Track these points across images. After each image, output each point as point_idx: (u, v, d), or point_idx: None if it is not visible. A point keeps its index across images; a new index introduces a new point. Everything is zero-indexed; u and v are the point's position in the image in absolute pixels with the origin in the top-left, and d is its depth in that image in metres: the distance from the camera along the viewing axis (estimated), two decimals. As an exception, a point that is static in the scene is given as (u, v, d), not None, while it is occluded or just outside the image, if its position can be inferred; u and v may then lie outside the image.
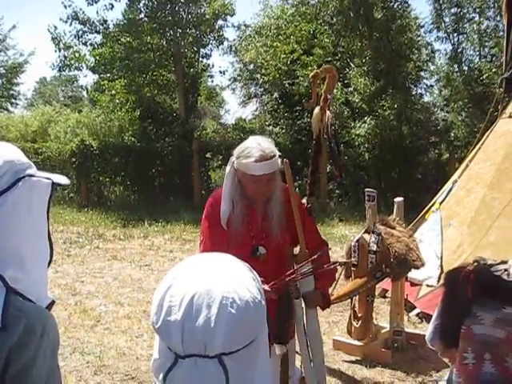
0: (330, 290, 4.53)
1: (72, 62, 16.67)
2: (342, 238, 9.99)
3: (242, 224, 2.78)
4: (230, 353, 1.10)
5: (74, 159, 14.70)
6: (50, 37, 16.11)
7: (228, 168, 2.83)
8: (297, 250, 2.96)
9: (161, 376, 1.15)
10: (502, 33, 12.93)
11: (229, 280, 1.15)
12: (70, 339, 5.22)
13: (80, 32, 15.95)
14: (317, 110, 3.86)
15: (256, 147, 2.71)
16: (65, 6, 15.53)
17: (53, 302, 1.66)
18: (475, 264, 4.03)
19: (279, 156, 2.78)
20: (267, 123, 18.07)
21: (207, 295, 1.11)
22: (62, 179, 1.70)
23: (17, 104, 30.31)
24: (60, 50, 16.49)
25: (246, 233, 2.74)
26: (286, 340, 2.70)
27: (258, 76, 19.06)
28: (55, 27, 16.11)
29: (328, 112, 3.71)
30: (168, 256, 8.62)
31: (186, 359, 1.11)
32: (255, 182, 2.68)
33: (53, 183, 1.65)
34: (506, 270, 3.97)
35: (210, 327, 1.08)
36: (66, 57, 16.68)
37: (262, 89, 20.30)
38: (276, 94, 18.14)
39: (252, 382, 1.17)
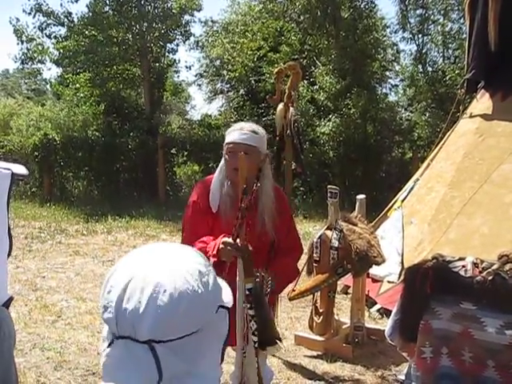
0: (292, 286, 4.58)
1: (35, 54, 16.41)
2: (305, 235, 10.02)
3: (230, 209, 2.77)
4: (162, 341, 1.11)
5: (36, 153, 14.46)
6: (13, 29, 15.80)
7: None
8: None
9: (103, 353, 1.18)
10: (464, 35, 13.17)
11: (168, 268, 1.15)
12: (30, 335, 5.15)
13: (44, 24, 15.72)
14: (280, 106, 3.89)
15: (240, 123, 2.86)
16: (28, -2, 15.28)
17: (11, 299, 1.63)
18: (434, 261, 4.11)
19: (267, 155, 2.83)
20: (233, 120, 18.05)
21: (143, 281, 1.12)
22: (22, 169, 1.68)
23: (-22, 96, 29.65)
24: (23, 43, 16.22)
25: (234, 218, 2.70)
26: (271, 342, 2.64)
27: (225, 72, 19.05)
28: (17, 19, 15.86)
29: (292, 108, 3.75)
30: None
31: (120, 340, 1.13)
32: (231, 153, 2.71)
33: (12, 174, 1.62)
34: (463, 266, 4.05)
35: (138, 312, 1.10)
36: (28, 49, 16.41)
37: (228, 85, 20.30)
38: (242, 91, 18.16)
39: (189, 376, 1.17)
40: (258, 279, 2.60)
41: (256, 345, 2.54)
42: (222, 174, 2.85)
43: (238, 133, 2.76)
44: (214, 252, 2.58)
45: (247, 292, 2.53)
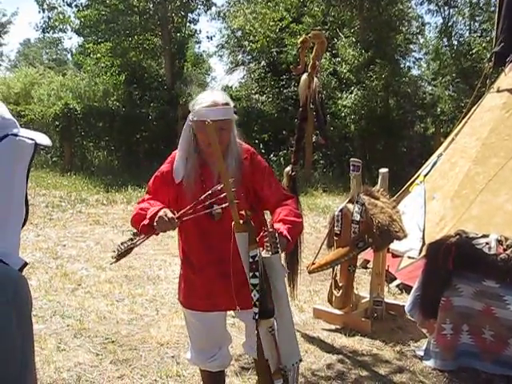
0: (311, 259, 4.55)
1: (56, 23, 16.37)
2: (325, 209, 10.01)
3: (194, 182, 2.71)
4: None
5: (57, 123, 14.50)
6: (34, -3, 15.77)
7: (185, 125, 2.79)
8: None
9: None
10: (494, 7, 12.84)
11: None
12: (50, 302, 5.20)
13: (65, -8, 15.63)
14: (304, 76, 3.81)
15: (209, 95, 2.71)
16: (50, -35, 15.20)
17: (25, 264, 1.63)
18: (457, 237, 4.08)
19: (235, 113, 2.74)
20: (253, 91, 17.94)
21: None
22: (45, 140, 1.66)
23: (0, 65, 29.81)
24: (44, 11, 16.19)
25: (200, 191, 2.65)
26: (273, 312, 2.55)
27: (246, 43, 18.85)
28: (39, -13, 15.78)
29: (316, 79, 3.68)
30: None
31: None
32: (207, 130, 2.62)
33: (35, 144, 1.60)
34: (487, 243, 4.02)
35: None
36: (50, 18, 16.37)
37: (249, 56, 20.11)
38: (263, 62, 17.98)
39: None
40: (266, 240, 2.52)
41: (257, 316, 2.48)
42: (190, 146, 2.76)
43: (212, 110, 2.63)
44: (150, 215, 2.57)
45: (251, 260, 2.45)
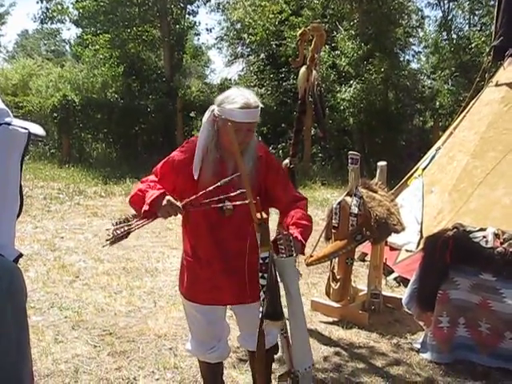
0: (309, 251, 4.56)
1: (54, 14, 16.30)
2: (323, 202, 10.02)
3: (212, 175, 2.70)
4: None
5: (55, 114, 14.47)
6: (32, -14, 15.69)
7: (206, 116, 2.75)
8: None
9: None
10: (493, 1, 12.81)
11: None
12: (48, 294, 5.21)
13: (63, -18, 15.57)
14: (303, 69, 3.81)
15: (241, 95, 2.66)
16: (48, -44, 15.12)
17: (20, 255, 1.63)
18: (454, 230, 4.09)
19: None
20: (252, 84, 17.88)
21: None
22: (39, 130, 1.66)
23: (-3, 56, 29.72)
24: (42, 2, 16.13)
25: (212, 183, 2.65)
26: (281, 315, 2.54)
27: (245, 36, 18.79)
28: (37, -23, 15.70)
29: (314, 72, 3.67)
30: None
31: None
32: (235, 131, 2.61)
33: (29, 133, 1.60)
34: (484, 237, 4.03)
35: None
36: (48, 9, 16.31)
37: (248, 49, 20.06)
38: (263, 55, 17.93)
39: None
40: (280, 243, 2.54)
41: (260, 315, 2.48)
42: (212, 141, 2.73)
43: (245, 112, 2.62)
44: (149, 200, 2.55)
45: (261, 261, 2.46)
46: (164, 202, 2.53)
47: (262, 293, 2.47)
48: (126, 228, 2.67)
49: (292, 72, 14.91)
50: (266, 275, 2.46)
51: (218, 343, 3.04)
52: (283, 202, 2.83)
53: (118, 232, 2.67)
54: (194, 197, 2.59)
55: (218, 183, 2.56)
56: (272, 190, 2.83)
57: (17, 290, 1.48)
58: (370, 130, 14.26)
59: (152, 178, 2.79)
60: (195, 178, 2.71)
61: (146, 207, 2.56)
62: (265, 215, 2.47)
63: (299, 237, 2.61)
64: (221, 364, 3.23)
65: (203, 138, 2.75)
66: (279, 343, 2.60)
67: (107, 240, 2.70)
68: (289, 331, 2.60)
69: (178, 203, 2.56)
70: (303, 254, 2.80)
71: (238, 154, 2.42)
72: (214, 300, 2.87)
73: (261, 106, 2.70)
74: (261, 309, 2.48)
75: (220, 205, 2.65)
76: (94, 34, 16.69)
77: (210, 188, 2.56)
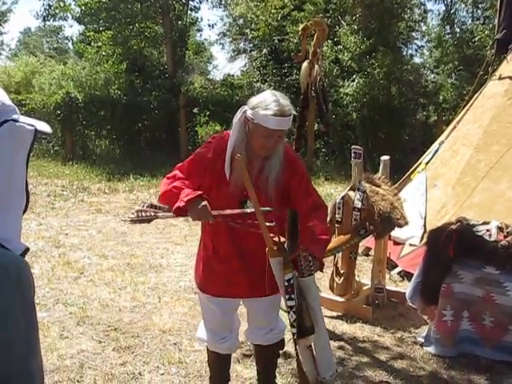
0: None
1: (57, 11, 16.29)
2: (327, 197, 9.99)
3: (239, 175, 2.74)
4: None
5: (58, 112, 14.48)
6: (35, -16, 15.68)
7: (238, 116, 2.75)
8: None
9: None
10: (495, -6, 12.75)
11: None
12: (53, 290, 5.23)
13: (65, -21, 15.55)
14: (305, 64, 3.81)
15: (275, 101, 2.65)
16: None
17: (27, 249, 1.64)
18: (458, 224, 4.08)
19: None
20: (255, 79, 17.88)
21: None
22: (45, 127, 1.67)
23: (0, 54, 29.74)
24: (44, -1, 16.08)
25: (242, 185, 2.68)
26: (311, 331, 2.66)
27: (248, 31, 18.78)
28: (39, -26, 15.69)
29: (316, 66, 3.67)
30: (153, 210, 8.57)
31: None
32: (266, 137, 2.62)
33: (35, 130, 1.61)
34: (488, 230, 4.03)
35: None
36: (50, 6, 16.29)
37: (251, 44, 20.04)
38: (265, 50, 17.91)
39: None
40: (301, 263, 2.61)
41: (295, 336, 2.61)
42: (242, 143, 2.74)
43: (278, 120, 2.62)
44: (186, 198, 2.57)
45: (286, 283, 2.57)
46: (199, 206, 2.56)
47: (291, 314, 2.59)
48: (152, 214, 2.71)
49: (295, 67, 14.88)
50: (293, 296, 2.58)
51: (230, 334, 3.10)
52: (303, 208, 2.86)
53: (143, 214, 2.70)
54: (228, 212, 2.65)
55: (247, 210, 2.66)
56: (294, 194, 2.86)
57: (25, 285, 1.49)
58: (373, 125, 14.22)
59: (179, 174, 2.79)
60: (227, 176, 2.75)
61: (181, 203, 2.58)
62: (282, 239, 2.54)
63: (318, 256, 2.71)
64: (230, 356, 3.28)
65: (234, 138, 2.77)
66: (303, 357, 2.78)
67: (129, 218, 2.74)
68: (312, 342, 2.72)
69: (211, 211, 2.60)
70: (322, 271, 2.88)
71: (250, 185, 2.52)
72: (228, 293, 2.94)
73: (294, 113, 2.71)
74: (293, 330, 2.60)
75: (242, 211, 2.71)
76: (97, 30, 16.67)
77: (238, 211, 2.67)
